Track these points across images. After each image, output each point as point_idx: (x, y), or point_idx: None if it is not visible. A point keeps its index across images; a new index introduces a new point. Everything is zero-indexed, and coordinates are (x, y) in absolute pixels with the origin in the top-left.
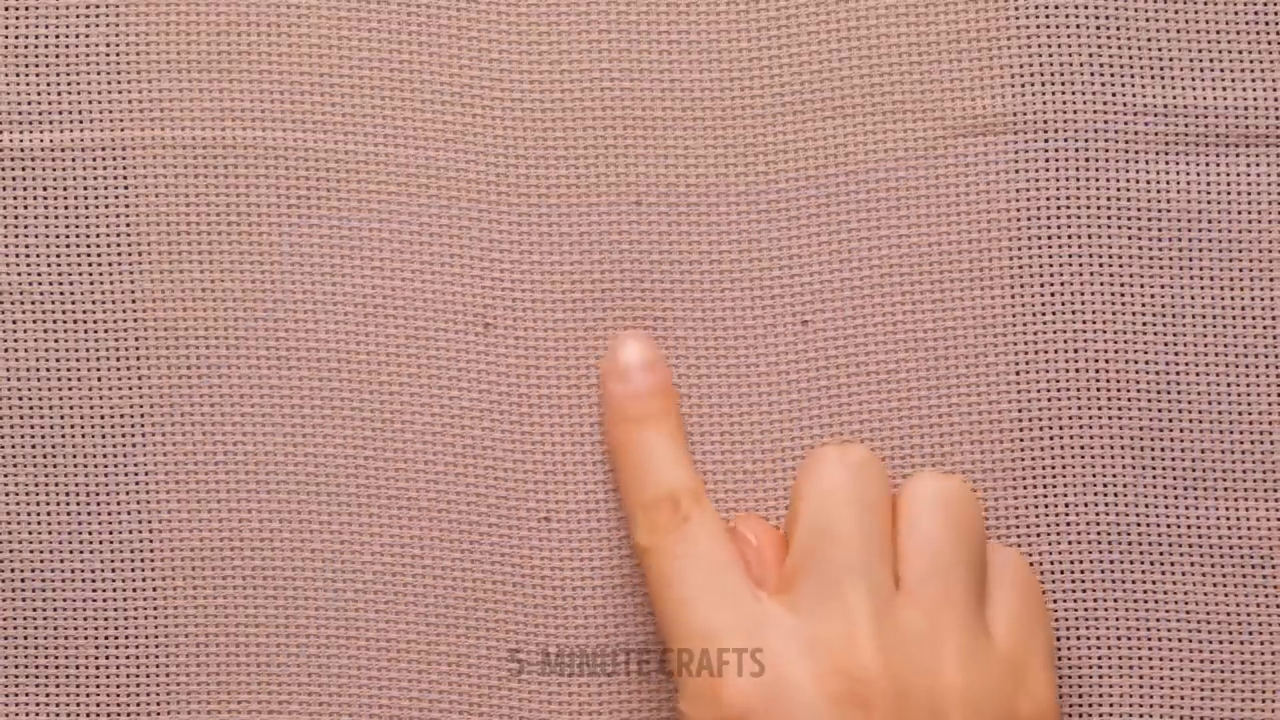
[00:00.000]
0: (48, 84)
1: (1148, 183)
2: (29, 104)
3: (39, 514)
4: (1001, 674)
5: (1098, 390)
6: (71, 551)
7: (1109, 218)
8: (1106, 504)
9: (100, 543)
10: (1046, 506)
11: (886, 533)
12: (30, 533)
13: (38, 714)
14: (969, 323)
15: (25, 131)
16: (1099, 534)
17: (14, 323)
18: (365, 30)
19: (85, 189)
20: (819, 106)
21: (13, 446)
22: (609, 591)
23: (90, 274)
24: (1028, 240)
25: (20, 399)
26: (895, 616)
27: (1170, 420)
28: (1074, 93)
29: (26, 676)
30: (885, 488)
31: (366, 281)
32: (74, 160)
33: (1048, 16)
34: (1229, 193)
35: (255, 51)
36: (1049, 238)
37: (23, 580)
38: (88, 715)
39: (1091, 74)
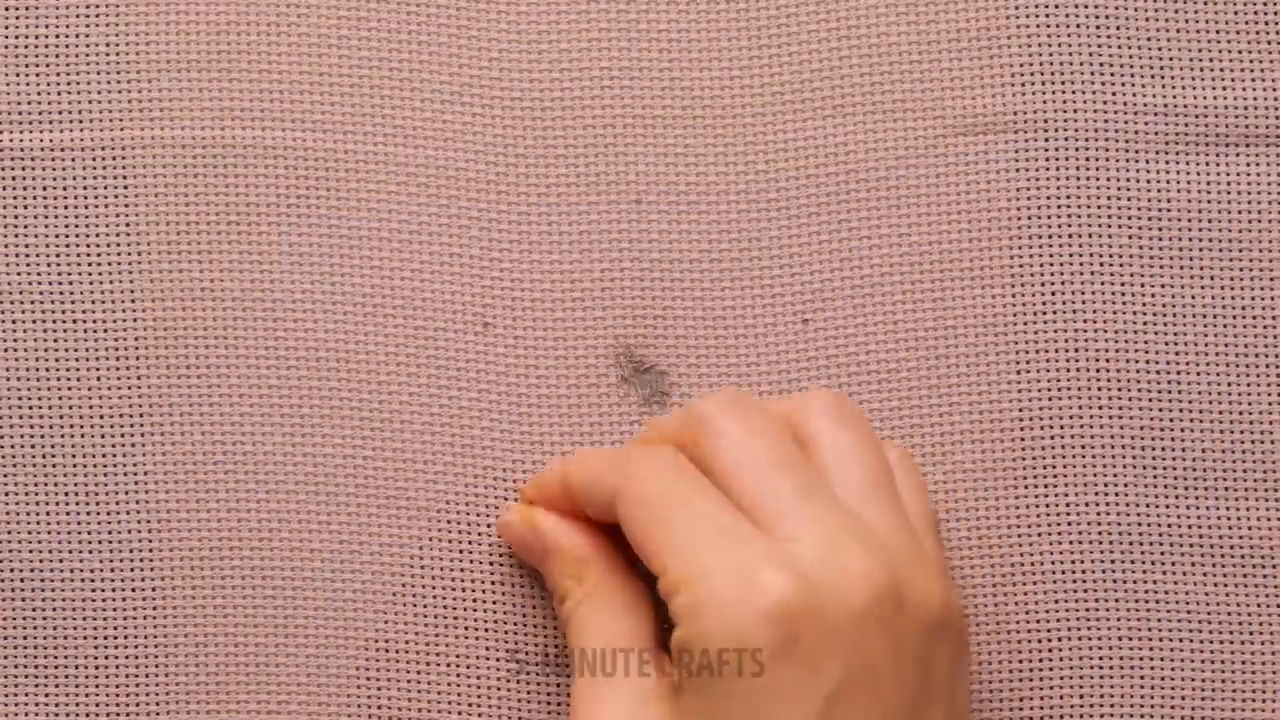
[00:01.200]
0: (48, 84)
1: (1148, 182)
2: (29, 104)
3: (39, 514)
4: (940, 582)
5: (1098, 389)
6: (71, 551)
7: (1109, 217)
8: (1106, 504)
9: (100, 543)
10: (1046, 506)
11: (804, 458)
12: (30, 533)
13: (38, 714)
14: (969, 322)
15: (25, 131)
16: (1099, 534)
17: (14, 322)
18: (365, 30)
19: (85, 189)
20: (819, 105)
21: (13, 446)
22: None
23: (90, 274)
24: (1028, 240)
25: (20, 399)
26: (870, 537)
27: (1170, 420)
28: (1074, 92)
29: (26, 676)
30: (772, 415)
31: (366, 281)
32: (74, 160)
33: (1048, 16)
34: (1229, 193)
35: (255, 51)
36: (1049, 237)
37: (23, 580)
38: (88, 715)
39: (1092, 73)
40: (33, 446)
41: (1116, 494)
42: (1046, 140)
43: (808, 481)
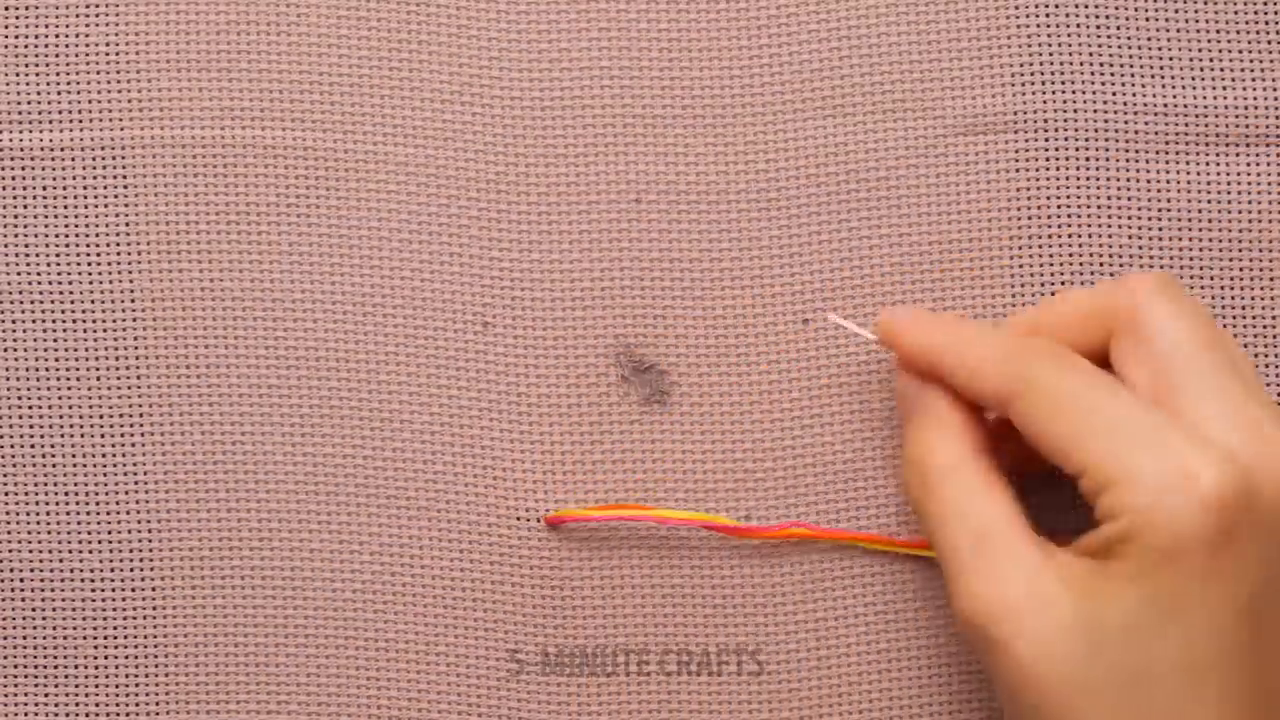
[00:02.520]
0: (48, 84)
1: (1148, 182)
2: (29, 104)
3: (39, 514)
4: None
5: None
6: (71, 551)
7: (1109, 217)
8: None
9: (100, 543)
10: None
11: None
12: (30, 533)
13: (38, 714)
14: None
15: (25, 131)
16: None
17: (14, 322)
18: (365, 30)
19: (85, 188)
20: (819, 105)
21: (13, 446)
22: (609, 591)
23: (90, 273)
24: (1028, 240)
25: (20, 399)
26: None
27: None
28: (1074, 92)
29: (26, 676)
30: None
31: (366, 280)
32: (74, 160)
33: (1048, 16)
34: (1229, 193)
35: (255, 51)
36: (1049, 237)
37: (23, 580)
38: (87, 715)
39: (1092, 73)
40: (33, 446)
41: None
42: (1046, 140)
43: (1235, 363)
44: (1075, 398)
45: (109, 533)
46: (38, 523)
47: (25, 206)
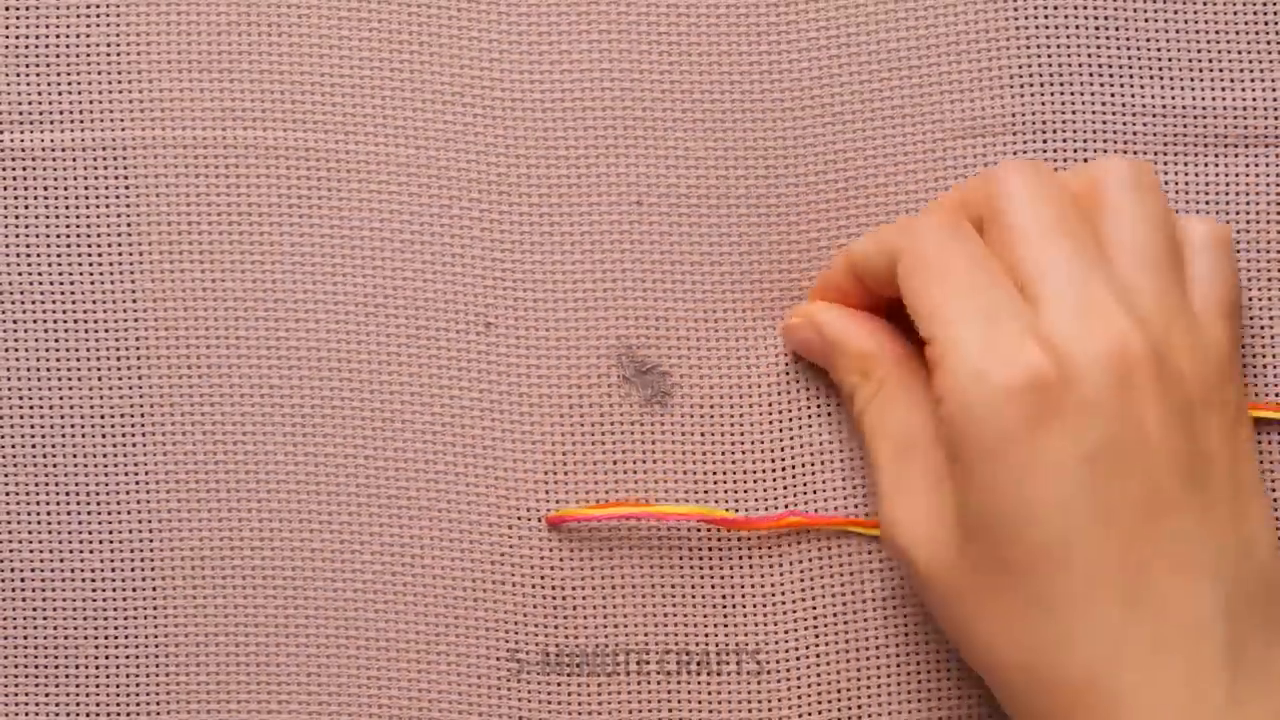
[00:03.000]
0: (48, 84)
1: None
2: (29, 104)
3: (39, 514)
4: (1212, 356)
5: None
6: (71, 551)
7: None
8: None
9: (100, 543)
10: None
11: (1088, 227)
12: (30, 533)
13: (38, 714)
14: None
15: (25, 131)
16: None
17: (15, 322)
18: (365, 30)
19: (86, 188)
20: (819, 110)
21: (13, 446)
22: (609, 591)
23: (91, 273)
24: None
25: (21, 398)
26: (1134, 305)
27: None
28: (1073, 94)
29: (26, 676)
30: (1063, 184)
31: (367, 281)
32: (74, 160)
33: (1047, 18)
34: (1229, 193)
35: (255, 51)
36: None
37: (23, 580)
38: (88, 715)
39: (1090, 75)
40: (34, 446)
41: None
42: (1045, 142)
43: (1081, 247)
44: (938, 259)
45: (110, 532)
46: (38, 523)
47: (27, 207)
